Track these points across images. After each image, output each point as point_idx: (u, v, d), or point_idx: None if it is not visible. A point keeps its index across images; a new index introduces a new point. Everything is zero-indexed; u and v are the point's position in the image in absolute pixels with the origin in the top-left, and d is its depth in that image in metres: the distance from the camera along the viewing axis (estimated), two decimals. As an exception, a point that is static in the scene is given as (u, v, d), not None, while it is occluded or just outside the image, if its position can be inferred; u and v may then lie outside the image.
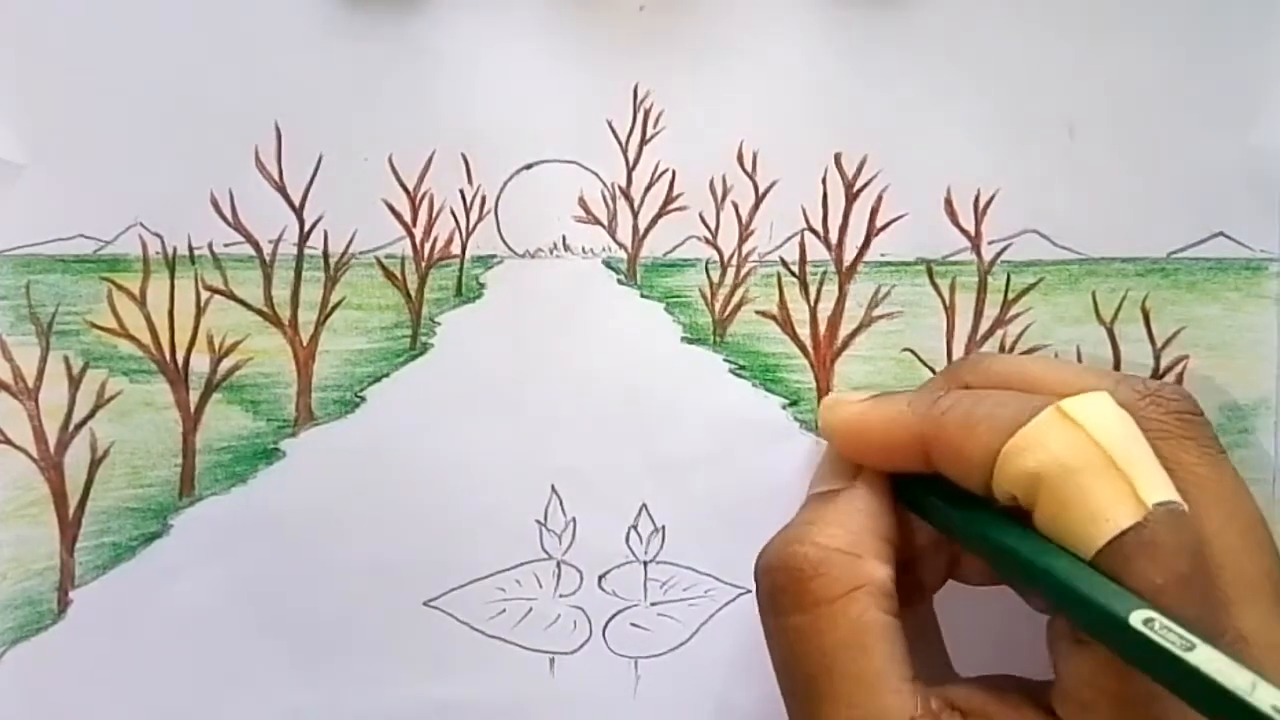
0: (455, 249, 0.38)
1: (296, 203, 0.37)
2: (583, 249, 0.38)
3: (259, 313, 0.38)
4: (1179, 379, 0.36)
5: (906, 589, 0.30)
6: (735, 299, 0.38)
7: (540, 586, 0.37)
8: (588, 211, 0.38)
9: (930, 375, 0.37)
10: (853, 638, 0.28)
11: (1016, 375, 0.31)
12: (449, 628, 0.37)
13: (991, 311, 0.37)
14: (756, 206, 0.37)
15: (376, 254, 0.38)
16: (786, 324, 0.37)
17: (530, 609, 0.37)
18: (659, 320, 0.38)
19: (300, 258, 0.37)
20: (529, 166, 0.37)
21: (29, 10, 0.37)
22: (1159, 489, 0.26)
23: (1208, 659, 0.24)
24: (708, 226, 0.37)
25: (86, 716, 0.37)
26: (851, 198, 0.37)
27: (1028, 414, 0.28)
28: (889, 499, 0.31)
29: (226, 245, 0.37)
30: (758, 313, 0.38)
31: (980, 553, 0.29)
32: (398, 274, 0.38)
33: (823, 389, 0.37)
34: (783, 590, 0.29)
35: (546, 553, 0.37)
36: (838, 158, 0.37)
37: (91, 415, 0.37)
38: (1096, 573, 0.26)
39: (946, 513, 0.30)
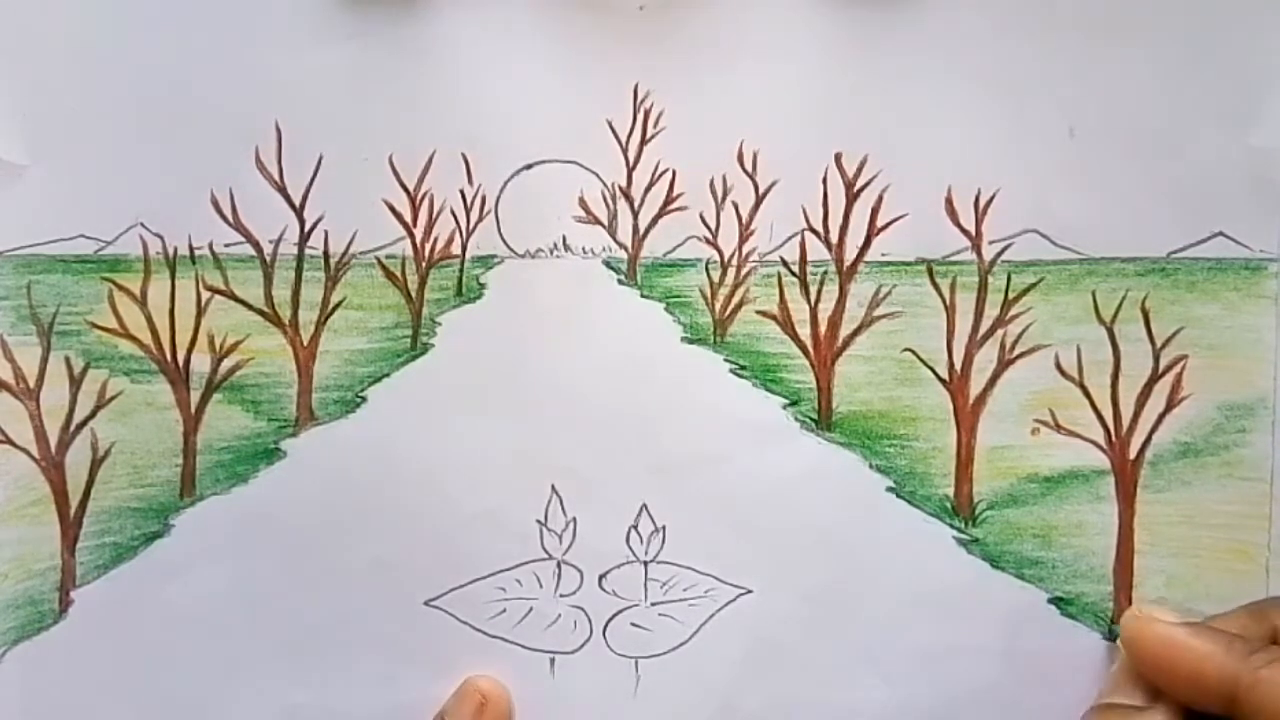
0: (455, 249, 0.38)
1: (297, 203, 0.37)
2: (583, 249, 0.38)
3: (260, 313, 0.38)
4: (1178, 378, 0.36)
5: None
6: (735, 299, 0.38)
7: (540, 586, 0.37)
8: (588, 211, 0.38)
9: (930, 375, 0.37)
10: None
11: None
12: (449, 627, 0.37)
13: (992, 311, 0.37)
14: (757, 206, 0.37)
15: (377, 254, 0.38)
16: (787, 324, 0.38)
17: (531, 609, 0.37)
18: (659, 320, 0.38)
19: (301, 258, 0.38)
20: (529, 166, 0.37)
21: (30, 11, 0.37)
22: None
23: None
24: (708, 226, 0.37)
25: (87, 716, 0.37)
26: (852, 198, 0.37)
27: None
28: None
29: (227, 245, 0.37)
30: (758, 313, 0.38)
31: None
32: (398, 274, 0.38)
33: (823, 389, 0.37)
34: None
35: (547, 553, 0.37)
36: (838, 158, 0.37)
37: (92, 415, 0.37)
38: None
39: None
